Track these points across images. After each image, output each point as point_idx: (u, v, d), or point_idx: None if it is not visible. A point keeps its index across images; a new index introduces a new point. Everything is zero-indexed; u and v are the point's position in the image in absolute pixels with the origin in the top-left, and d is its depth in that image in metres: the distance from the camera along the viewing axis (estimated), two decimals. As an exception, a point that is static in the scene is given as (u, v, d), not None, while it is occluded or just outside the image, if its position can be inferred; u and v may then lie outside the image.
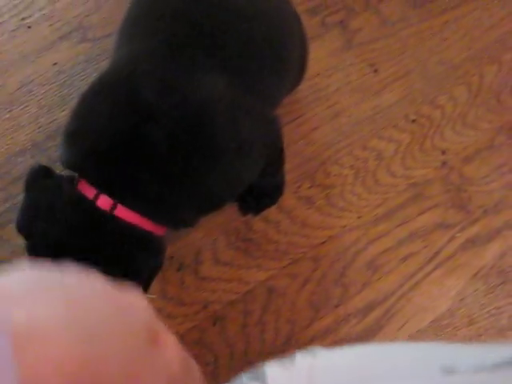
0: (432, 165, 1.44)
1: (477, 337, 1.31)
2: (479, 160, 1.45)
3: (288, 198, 1.37)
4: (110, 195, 0.99)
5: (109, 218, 0.99)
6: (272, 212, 1.37)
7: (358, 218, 1.39)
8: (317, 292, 1.33)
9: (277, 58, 1.13)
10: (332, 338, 1.30)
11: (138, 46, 1.06)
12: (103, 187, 0.99)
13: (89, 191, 0.99)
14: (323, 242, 1.37)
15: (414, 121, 1.47)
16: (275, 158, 1.21)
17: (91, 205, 0.99)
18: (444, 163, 1.44)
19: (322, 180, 1.41)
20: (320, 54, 1.50)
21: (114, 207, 0.99)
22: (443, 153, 1.45)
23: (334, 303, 1.33)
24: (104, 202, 0.99)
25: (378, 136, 1.46)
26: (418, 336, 1.31)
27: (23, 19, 1.51)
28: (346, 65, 1.51)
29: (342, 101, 1.48)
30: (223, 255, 1.34)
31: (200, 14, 1.05)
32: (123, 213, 1.00)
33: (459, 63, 1.52)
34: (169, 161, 0.99)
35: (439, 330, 1.32)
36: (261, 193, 1.34)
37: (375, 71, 1.51)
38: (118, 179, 0.99)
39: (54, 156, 1.37)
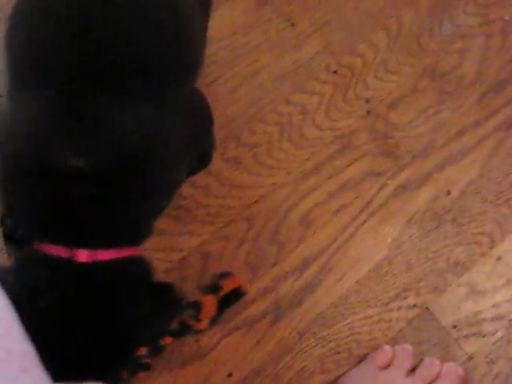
0: (357, 114, 1.42)
1: (416, 282, 1.31)
2: (404, 105, 1.44)
3: (215, 161, 1.34)
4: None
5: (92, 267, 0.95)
6: (200, 176, 1.34)
7: (288, 174, 1.37)
8: (252, 252, 1.32)
9: (182, 56, 1.04)
10: (272, 297, 1.29)
11: (33, 100, 0.96)
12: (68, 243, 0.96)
13: (60, 251, 0.95)
14: (254, 202, 1.35)
15: (335, 71, 1.45)
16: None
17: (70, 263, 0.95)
18: (369, 112, 1.42)
19: (247, 139, 1.39)
20: (235, 12, 1.47)
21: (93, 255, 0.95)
22: (367, 101, 1.43)
23: (270, 262, 1.31)
24: (82, 254, 0.95)
25: (300, 90, 1.44)
26: (357, 287, 1.30)
27: None
28: (262, 21, 1.48)
29: (261, 58, 1.46)
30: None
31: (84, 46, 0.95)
32: (103, 255, 0.96)
33: (376, 9, 1.51)
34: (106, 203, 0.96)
35: (378, 278, 1.31)
36: None
37: (292, 25, 1.49)
38: (79, 232, 0.96)
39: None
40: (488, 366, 1.26)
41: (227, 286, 1.23)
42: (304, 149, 1.39)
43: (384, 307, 1.29)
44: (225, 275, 1.25)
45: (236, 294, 1.25)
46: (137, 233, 1.04)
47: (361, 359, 1.26)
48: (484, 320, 1.28)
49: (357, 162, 1.38)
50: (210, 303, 1.21)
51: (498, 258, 1.33)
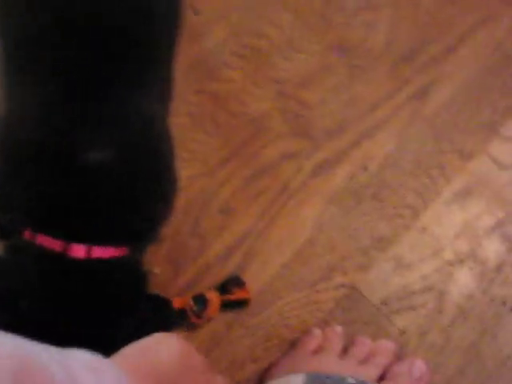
0: (268, 96, 1.41)
1: (341, 261, 1.29)
2: (314, 83, 1.42)
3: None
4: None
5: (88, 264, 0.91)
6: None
7: (203, 164, 1.35)
8: (174, 248, 1.30)
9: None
10: (197, 290, 1.26)
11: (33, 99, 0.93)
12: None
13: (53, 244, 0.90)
14: (171, 196, 1.33)
15: (242, 56, 1.43)
16: None
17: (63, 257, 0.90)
18: (279, 93, 1.41)
19: (159, 133, 1.37)
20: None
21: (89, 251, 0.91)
22: (277, 82, 1.41)
23: (193, 256, 1.30)
24: (78, 249, 0.90)
25: (209, 77, 1.42)
26: (282, 271, 1.28)
27: None
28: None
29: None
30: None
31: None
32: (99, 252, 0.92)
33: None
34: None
35: (303, 260, 1.30)
36: None
37: (196, 13, 1.46)
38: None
39: None
40: (421, 339, 1.25)
41: (237, 294, 1.22)
42: (218, 137, 1.37)
43: (311, 289, 1.28)
44: (239, 282, 1.24)
45: (239, 303, 1.23)
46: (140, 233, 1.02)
47: (293, 344, 1.24)
48: (413, 293, 1.28)
49: (271, 144, 1.37)
50: (215, 303, 1.19)
51: (423, 229, 1.32)
